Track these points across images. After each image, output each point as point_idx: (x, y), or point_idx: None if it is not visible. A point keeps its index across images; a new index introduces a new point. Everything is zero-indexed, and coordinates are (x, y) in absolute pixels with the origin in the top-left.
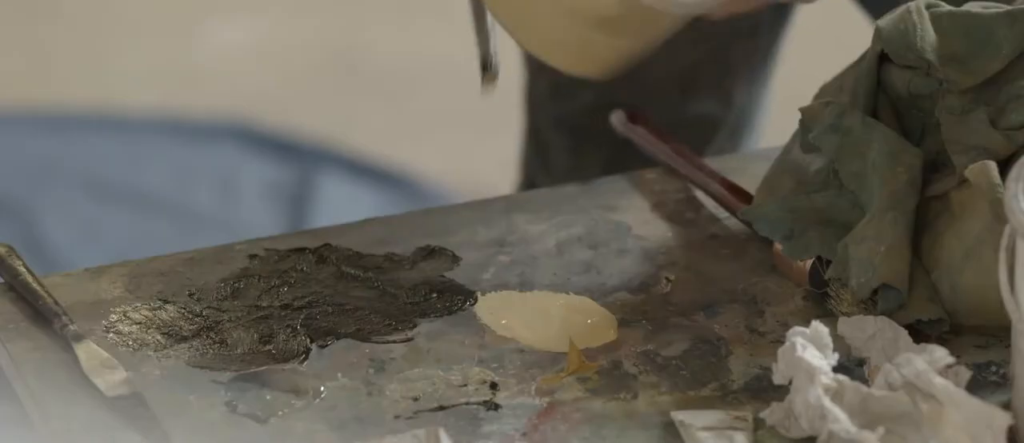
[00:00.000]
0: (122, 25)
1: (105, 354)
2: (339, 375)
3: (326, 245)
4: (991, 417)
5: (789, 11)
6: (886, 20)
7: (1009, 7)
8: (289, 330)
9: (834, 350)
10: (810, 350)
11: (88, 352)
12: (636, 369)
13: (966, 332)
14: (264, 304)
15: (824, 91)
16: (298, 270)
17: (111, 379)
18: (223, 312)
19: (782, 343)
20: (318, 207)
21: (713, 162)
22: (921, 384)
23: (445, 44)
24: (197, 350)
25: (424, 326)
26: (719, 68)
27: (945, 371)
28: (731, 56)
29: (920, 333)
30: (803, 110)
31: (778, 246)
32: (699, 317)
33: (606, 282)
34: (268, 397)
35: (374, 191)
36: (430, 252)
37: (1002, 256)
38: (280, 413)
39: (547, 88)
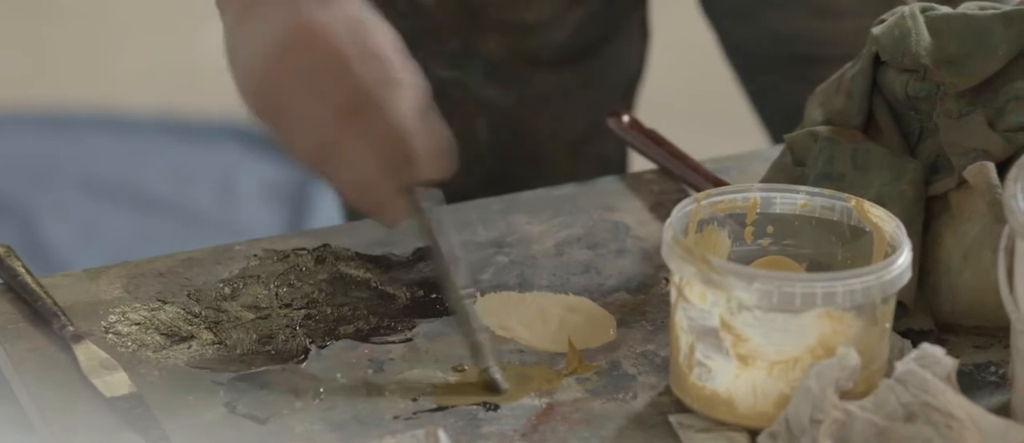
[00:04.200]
0: (122, 25)
1: (104, 355)
2: (338, 375)
3: (325, 245)
4: (1007, 432)
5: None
6: (881, 25)
7: (1006, 8)
8: (288, 331)
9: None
10: (817, 377)
11: (87, 353)
12: (635, 370)
13: (965, 332)
14: (263, 305)
15: (821, 92)
16: (297, 270)
17: (110, 380)
18: (222, 313)
19: None
20: (317, 207)
21: (709, 163)
22: (938, 404)
23: None
24: (196, 351)
25: (423, 326)
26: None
27: (949, 376)
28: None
29: (906, 336)
30: (788, 139)
31: None
32: None
33: (605, 282)
34: (267, 397)
35: None
36: (429, 253)
37: (1001, 257)
38: (279, 413)
39: None
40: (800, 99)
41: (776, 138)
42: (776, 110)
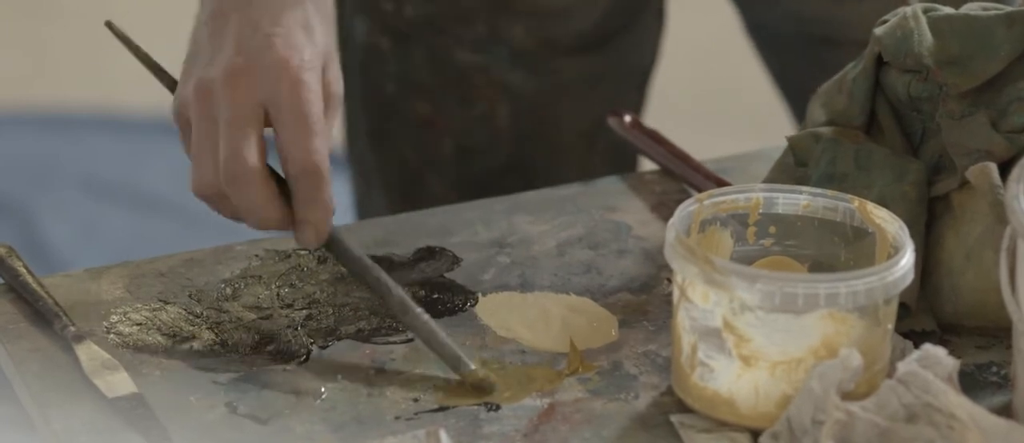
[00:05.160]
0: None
1: (106, 355)
2: (339, 376)
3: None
4: (1009, 433)
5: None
6: (883, 26)
7: (1008, 9)
8: (290, 331)
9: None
10: (820, 378)
11: (89, 353)
12: (637, 370)
13: (967, 333)
14: (265, 305)
15: (824, 92)
16: (299, 271)
17: (112, 380)
18: (223, 313)
19: None
20: None
21: (711, 163)
22: (940, 405)
23: None
24: (197, 351)
25: None
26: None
27: (950, 377)
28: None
29: (908, 337)
30: (790, 140)
31: None
32: None
33: (606, 283)
34: (268, 398)
35: None
36: (430, 253)
37: (1003, 257)
38: (280, 414)
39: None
40: (820, 83)
41: (797, 119)
42: (797, 92)
